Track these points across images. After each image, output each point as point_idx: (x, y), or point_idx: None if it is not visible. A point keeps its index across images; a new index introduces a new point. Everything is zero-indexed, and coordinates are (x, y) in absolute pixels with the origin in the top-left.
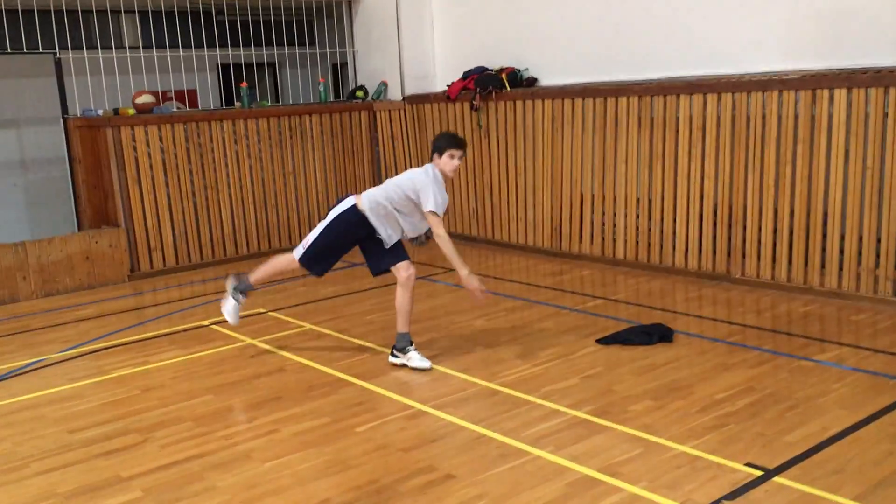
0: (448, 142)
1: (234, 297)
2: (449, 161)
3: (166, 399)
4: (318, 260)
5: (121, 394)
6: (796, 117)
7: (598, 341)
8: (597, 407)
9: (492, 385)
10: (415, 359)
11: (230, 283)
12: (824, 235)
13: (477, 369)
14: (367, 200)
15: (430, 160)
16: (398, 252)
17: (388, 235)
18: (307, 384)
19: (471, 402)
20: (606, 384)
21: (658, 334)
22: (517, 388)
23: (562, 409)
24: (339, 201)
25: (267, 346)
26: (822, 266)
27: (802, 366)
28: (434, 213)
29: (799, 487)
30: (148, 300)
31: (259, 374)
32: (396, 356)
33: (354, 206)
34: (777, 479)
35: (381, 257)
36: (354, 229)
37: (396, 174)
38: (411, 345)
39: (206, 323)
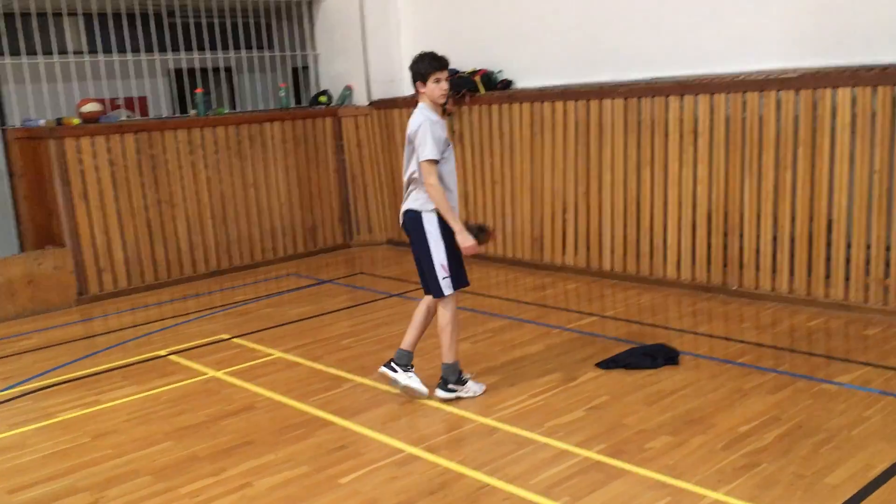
0: (429, 64)
1: (454, 391)
2: (436, 86)
3: (120, 447)
4: (459, 271)
5: (68, 442)
6: (796, 118)
7: (599, 365)
8: (610, 445)
9: (488, 421)
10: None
11: (443, 391)
12: (829, 244)
13: (469, 401)
14: (415, 197)
15: (415, 91)
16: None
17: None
18: (280, 424)
19: (467, 443)
20: (616, 417)
21: (663, 356)
22: (517, 423)
23: (571, 448)
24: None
25: (233, 380)
26: (827, 276)
27: (826, 390)
28: (427, 161)
29: None
30: (98, 327)
31: (225, 414)
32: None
33: (413, 212)
34: None
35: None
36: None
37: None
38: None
39: (163, 353)
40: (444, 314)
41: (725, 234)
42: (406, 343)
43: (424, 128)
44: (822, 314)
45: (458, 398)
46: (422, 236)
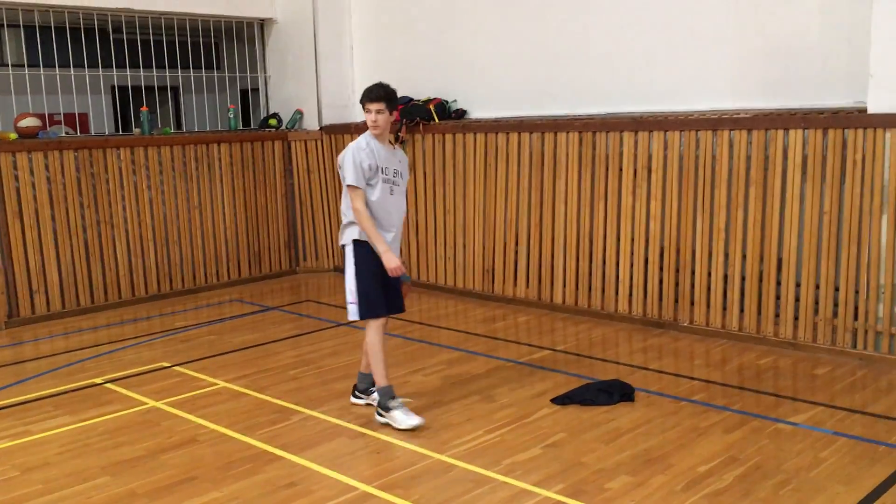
0: (362, 96)
1: (387, 413)
2: (367, 116)
3: (52, 483)
4: (378, 300)
5: None
6: (748, 158)
7: (554, 401)
8: (569, 485)
9: (444, 458)
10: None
11: (377, 404)
12: (778, 282)
13: (424, 437)
14: (342, 231)
15: None
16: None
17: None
18: (225, 459)
19: (423, 481)
20: (574, 455)
21: (618, 392)
22: (474, 460)
23: (530, 487)
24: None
25: (174, 410)
26: (777, 315)
27: (780, 430)
28: (350, 186)
29: None
30: (28, 352)
31: (167, 447)
32: (359, 397)
33: (343, 246)
34: None
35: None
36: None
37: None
38: (374, 386)
39: (99, 381)
40: (367, 338)
41: (677, 271)
42: (365, 367)
43: (347, 154)
44: (771, 352)
45: (388, 424)
46: (345, 263)
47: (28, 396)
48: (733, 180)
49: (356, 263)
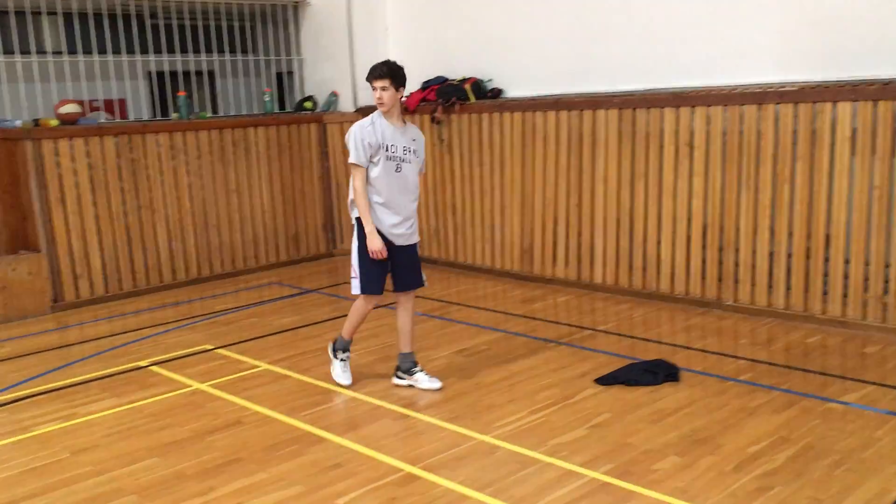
0: (368, 75)
1: (334, 356)
2: (373, 94)
3: (101, 464)
4: (373, 279)
5: (45, 458)
6: (795, 132)
7: (598, 381)
8: (616, 466)
9: (489, 439)
10: (422, 380)
11: (329, 348)
12: (826, 259)
13: (467, 418)
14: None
15: None
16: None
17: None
18: (270, 440)
19: (468, 462)
20: (620, 435)
21: (663, 372)
22: (519, 442)
23: (576, 469)
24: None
25: (218, 392)
26: (825, 293)
27: (832, 409)
28: (351, 163)
29: None
30: (74, 336)
31: (212, 429)
32: (401, 377)
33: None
34: None
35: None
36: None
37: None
38: (416, 365)
39: (143, 364)
40: (359, 303)
41: (721, 249)
42: (402, 347)
43: (351, 132)
44: (819, 331)
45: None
46: (353, 238)
47: (75, 379)
48: (779, 155)
49: (359, 241)
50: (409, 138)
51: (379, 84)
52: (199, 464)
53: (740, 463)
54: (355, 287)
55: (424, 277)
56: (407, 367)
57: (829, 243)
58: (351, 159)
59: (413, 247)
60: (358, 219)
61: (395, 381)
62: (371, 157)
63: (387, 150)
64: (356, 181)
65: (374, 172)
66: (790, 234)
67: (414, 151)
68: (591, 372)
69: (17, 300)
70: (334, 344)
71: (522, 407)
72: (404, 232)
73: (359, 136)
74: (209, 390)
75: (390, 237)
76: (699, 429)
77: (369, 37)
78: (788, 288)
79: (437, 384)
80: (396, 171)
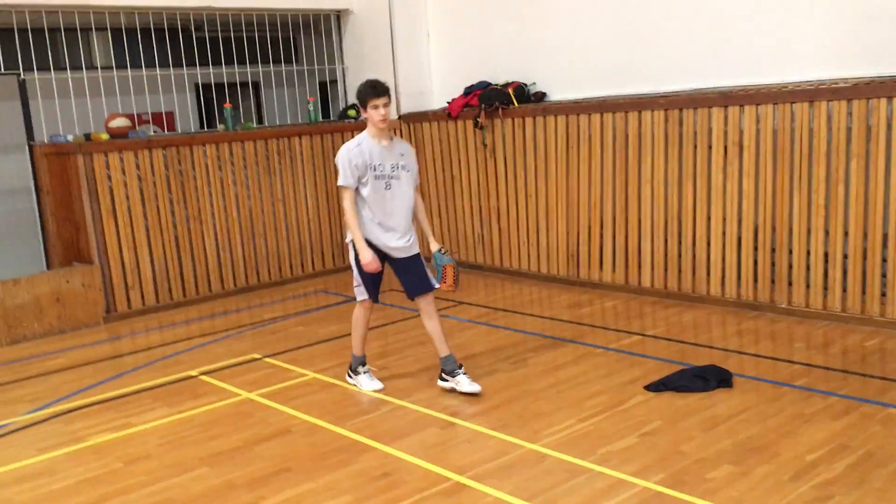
0: (367, 91)
1: (355, 375)
2: (374, 112)
3: (154, 473)
4: (370, 287)
5: (99, 468)
6: (849, 130)
7: (648, 388)
8: (669, 475)
9: (537, 447)
10: (463, 383)
11: (347, 376)
12: (884, 260)
13: (515, 426)
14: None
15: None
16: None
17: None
18: (319, 450)
19: (516, 471)
20: (672, 443)
21: (715, 378)
22: (568, 450)
23: (627, 478)
24: None
25: (267, 402)
26: (883, 294)
27: (893, 415)
28: (339, 186)
29: None
30: (126, 346)
31: (261, 438)
32: (445, 379)
33: None
34: None
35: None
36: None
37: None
38: (460, 367)
39: (193, 373)
40: (356, 312)
41: (773, 250)
42: (440, 351)
43: (341, 155)
44: (877, 334)
45: (356, 386)
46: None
47: (127, 389)
48: (833, 154)
49: (354, 253)
50: (396, 154)
51: (382, 101)
52: (248, 473)
53: (797, 472)
54: (358, 294)
55: (434, 281)
56: (450, 368)
57: (887, 243)
58: (338, 182)
59: (415, 257)
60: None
61: (440, 383)
62: (360, 177)
63: (374, 169)
64: (344, 202)
65: (366, 192)
66: (846, 234)
67: (403, 167)
68: (641, 378)
69: (71, 311)
70: (350, 367)
71: (571, 414)
72: (402, 245)
73: (346, 159)
74: (258, 399)
75: (388, 251)
76: (754, 436)
77: (411, 43)
78: (844, 290)
79: (476, 388)
80: (386, 188)
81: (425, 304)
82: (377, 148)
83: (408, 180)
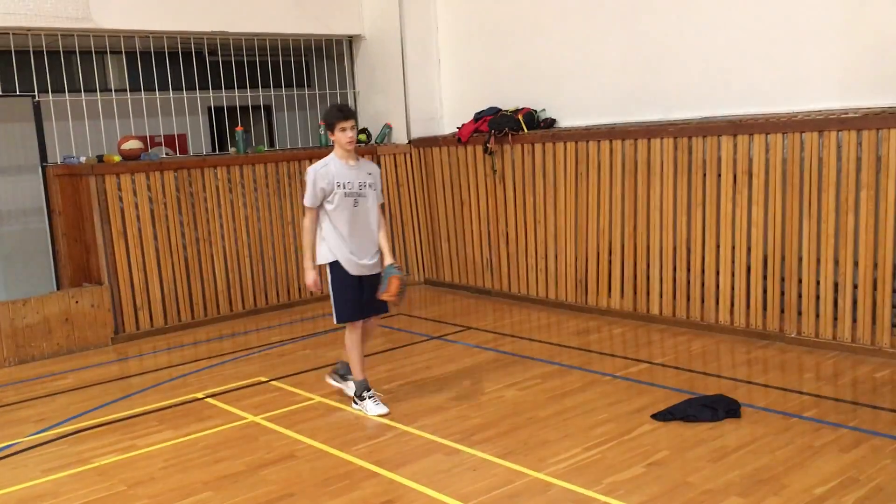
0: (335, 115)
1: (361, 402)
2: (342, 135)
3: (157, 497)
4: (344, 308)
5: (103, 490)
6: (858, 160)
7: (655, 417)
8: None
9: (542, 476)
10: (370, 407)
11: (354, 393)
12: (895, 290)
13: (520, 454)
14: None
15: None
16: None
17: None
18: (323, 475)
19: (522, 500)
20: (679, 474)
21: (723, 408)
22: (574, 479)
23: None
24: None
25: (272, 425)
26: (894, 325)
27: None
28: (306, 206)
29: None
30: (133, 367)
31: (265, 463)
32: (356, 403)
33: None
34: None
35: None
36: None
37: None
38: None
39: (200, 395)
40: (345, 338)
41: (782, 279)
42: (357, 375)
43: (308, 174)
44: (888, 365)
45: (362, 411)
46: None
47: (134, 411)
48: (842, 183)
49: (332, 281)
50: (364, 173)
51: (349, 124)
52: (252, 498)
53: None
54: (335, 318)
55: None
56: (343, 371)
57: None
58: (304, 201)
59: (376, 276)
60: (330, 263)
61: (328, 379)
62: (326, 196)
63: (343, 187)
64: (305, 220)
65: (334, 210)
66: (855, 264)
67: (370, 185)
68: (649, 407)
69: (80, 332)
70: (354, 393)
71: (577, 443)
72: (369, 263)
73: (312, 179)
74: (263, 423)
75: (358, 271)
76: (762, 468)
77: (422, 69)
78: (854, 320)
79: (384, 409)
80: (354, 205)
81: (371, 325)
82: (344, 168)
83: (374, 199)
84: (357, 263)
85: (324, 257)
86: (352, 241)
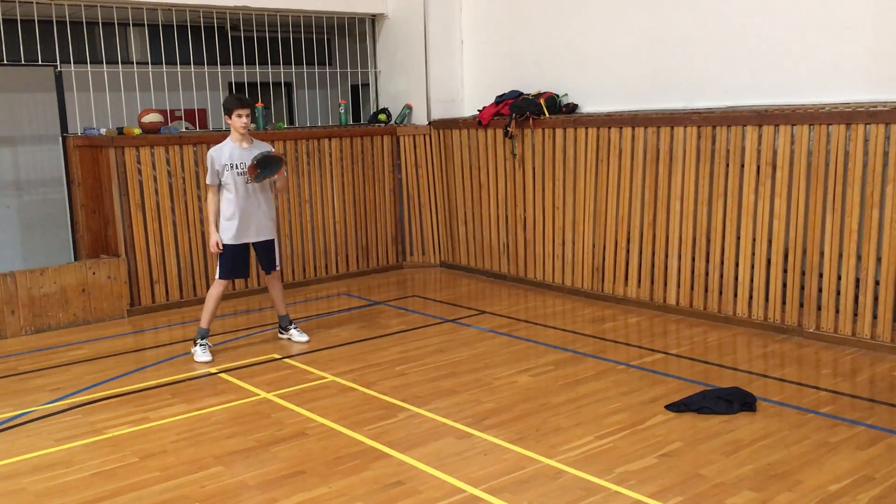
0: (233, 103)
1: (194, 345)
2: (237, 120)
3: (168, 470)
4: (229, 267)
5: (115, 461)
6: (886, 154)
7: (669, 408)
8: (687, 498)
9: (553, 463)
10: (294, 335)
11: (196, 336)
12: None
13: (532, 440)
14: None
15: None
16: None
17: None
18: (333, 454)
19: (532, 486)
20: (691, 466)
21: (738, 401)
22: (585, 467)
23: (645, 499)
24: None
25: (284, 402)
26: None
27: None
28: (207, 184)
29: None
30: (148, 340)
31: (277, 439)
32: (282, 333)
33: None
34: None
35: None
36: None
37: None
38: (291, 323)
39: (213, 370)
40: (212, 289)
41: (803, 273)
42: (279, 311)
43: (208, 156)
44: None
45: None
46: None
47: (148, 384)
48: (868, 177)
49: (224, 247)
50: (258, 152)
51: (245, 112)
52: (262, 474)
53: (820, 502)
54: (217, 272)
55: (277, 263)
56: (285, 325)
57: None
58: (206, 180)
59: (268, 241)
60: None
61: (279, 335)
62: (220, 175)
63: (235, 167)
64: (208, 196)
65: (229, 187)
66: (878, 260)
67: None
68: (663, 398)
69: (96, 303)
70: (196, 337)
71: (589, 431)
72: (255, 231)
73: (210, 160)
74: (276, 400)
75: (245, 237)
76: (776, 463)
77: (445, 50)
78: (875, 316)
79: (304, 338)
80: (246, 183)
81: (270, 278)
82: (238, 150)
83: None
84: (247, 232)
85: (221, 227)
86: (242, 212)
